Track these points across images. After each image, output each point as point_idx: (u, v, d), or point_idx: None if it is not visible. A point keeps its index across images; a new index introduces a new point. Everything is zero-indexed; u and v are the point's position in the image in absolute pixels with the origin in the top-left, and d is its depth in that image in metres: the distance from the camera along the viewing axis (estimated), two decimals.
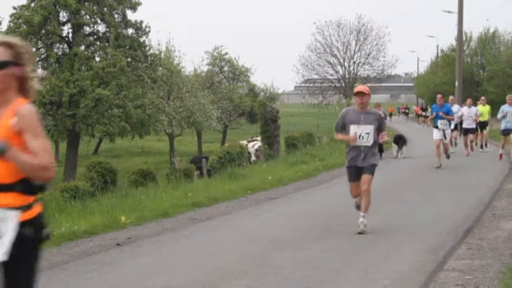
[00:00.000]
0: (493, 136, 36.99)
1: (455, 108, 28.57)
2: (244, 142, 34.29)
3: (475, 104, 31.42)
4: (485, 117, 30.39)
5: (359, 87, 12.32)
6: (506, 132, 24.85)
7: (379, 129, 12.13)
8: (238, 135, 62.97)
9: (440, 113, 23.69)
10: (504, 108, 24.69)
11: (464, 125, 29.33)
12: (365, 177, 11.92)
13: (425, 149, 29.19)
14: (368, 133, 11.89)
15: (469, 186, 18.46)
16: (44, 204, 15.27)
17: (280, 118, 34.82)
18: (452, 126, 27.14)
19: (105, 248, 10.95)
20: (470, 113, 29.04)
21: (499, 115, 24.77)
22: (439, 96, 25.05)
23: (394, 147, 29.48)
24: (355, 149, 11.97)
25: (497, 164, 24.21)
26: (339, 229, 12.31)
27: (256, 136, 40.04)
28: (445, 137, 23.70)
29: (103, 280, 8.86)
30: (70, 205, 16.36)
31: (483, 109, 30.42)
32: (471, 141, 29.17)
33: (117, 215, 13.70)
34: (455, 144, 29.71)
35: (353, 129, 11.89)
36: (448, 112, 23.98)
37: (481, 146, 30.50)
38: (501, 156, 25.60)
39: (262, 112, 33.44)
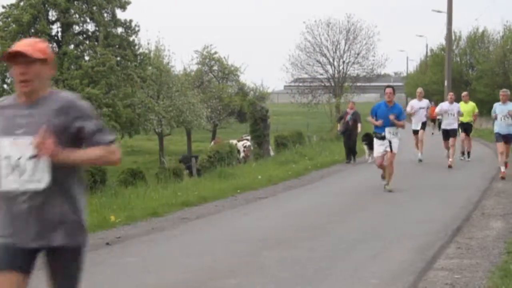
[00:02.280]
0: (482, 135, 37.06)
1: (423, 103, 25.61)
2: (234, 142, 34.28)
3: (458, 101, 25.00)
4: (468, 117, 25.10)
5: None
6: (499, 138, 20.03)
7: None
8: (228, 134, 62.94)
9: (390, 117, 17.36)
10: (496, 107, 20.26)
11: (443, 126, 24.60)
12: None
13: (412, 148, 29.19)
14: None
15: (458, 185, 18.50)
16: None
17: (269, 117, 34.79)
18: (418, 126, 25.17)
19: (95, 248, 10.92)
20: (451, 110, 23.94)
21: (493, 115, 20.32)
22: (388, 91, 17.91)
23: (365, 149, 26.94)
24: None
25: (486, 164, 24.25)
26: (328, 228, 12.32)
27: (246, 135, 40.02)
28: (391, 148, 17.49)
29: (92, 280, 8.83)
30: None
31: (465, 108, 24.90)
32: (452, 146, 23.63)
33: (106, 215, 13.67)
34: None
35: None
36: (399, 116, 17.52)
37: (462, 153, 25.89)
38: (506, 166, 20.32)
39: (252, 111, 33.39)
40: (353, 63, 71.84)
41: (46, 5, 42.49)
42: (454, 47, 65.15)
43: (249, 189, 18.43)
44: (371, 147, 23.73)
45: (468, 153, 26.10)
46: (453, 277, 8.72)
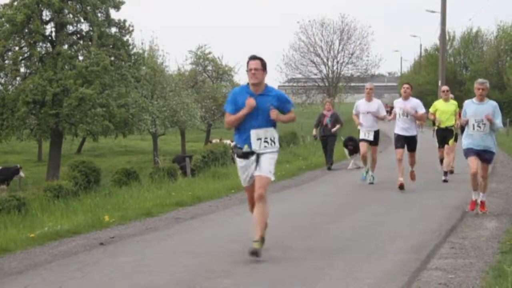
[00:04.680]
0: None
1: (372, 105, 19.25)
2: (228, 142, 34.28)
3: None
4: (450, 121, 19.68)
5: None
6: (472, 155, 13.67)
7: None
8: (222, 134, 62.96)
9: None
10: (468, 107, 13.81)
11: (397, 130, 17.84)
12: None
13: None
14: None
15: (452, 185, 18.53)
16: (26, 204, 15.14)
17: None
18: (367, 135, 19.19)
19: (89, 248, 10.92)
20: (404, 108, 17.63)
21: (463, 119, 13.88)
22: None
23: (347, 153, 25.19)
24: None
25: None
26: (322, 228, 12.33)
27: None
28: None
29: (86, 280, 8.83)
30: (53, 205, 16.29)
31: (445, 108, 19.63)
32: (411, 163, 18.12)
33: (100, 215, 13.66)
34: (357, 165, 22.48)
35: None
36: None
37: (445, 173, 19.55)
38: (472, 204, 14.35)
39: None
40: (347, 63, 71.97)
41: (40, 5, 42.36)
42: (448, 47, 65.32)
43: (243, 189, 18.38)
44: (355, 151, 23.73)
45: (451, 169, 20.61)
46: (447, 277, 8.74)
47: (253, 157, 10.12)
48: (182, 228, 12.79)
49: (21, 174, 34.85)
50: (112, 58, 43.58)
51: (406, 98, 17.98)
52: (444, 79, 47.86)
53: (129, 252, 10.53)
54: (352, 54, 71.69)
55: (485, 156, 13.78)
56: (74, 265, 9.60)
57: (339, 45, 71.40)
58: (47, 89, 40.22)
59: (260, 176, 10.07)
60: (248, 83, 10.23)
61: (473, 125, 13.64)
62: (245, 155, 10.17)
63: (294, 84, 75.35)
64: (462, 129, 14.96)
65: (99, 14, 44.58)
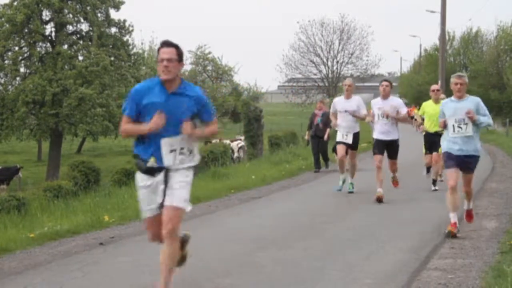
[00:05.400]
0: None
1: (351, 102, 16.94)
2: (227, 142, 34.28)
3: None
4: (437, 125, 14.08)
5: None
6: (450, 162, 11.74)
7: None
8: (222, 134, 62.91)
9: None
10: (446, 106, 11.97)
11: (375, 135, 16.12)
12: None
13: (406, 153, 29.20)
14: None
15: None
16: (26, 204, 15.12)
17: (263, 118, 34.77)
18: (345, 138, 17.03)
19: (88, 248, 10.93)
20: (383, 109, 15.86)
21: (440, 121, 12.05)
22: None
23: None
24: None
25: (480, 164, 24.23)
26: (322, 228, 12.34)
27: (240, 136, 40.03)
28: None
29: (86, 280, 8.84)
30: (53, 205, 16.28)
31: (435, 110, 16.34)
32: (392, 170, 16.69)
33: (100, 215, 13.66)
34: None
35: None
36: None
37: (433, 182, 17.98)
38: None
39: (246, 112, 33.33)
40: (347, 63, 71.92)
41: (40, 5, 42.33)
42: (447, 47, 65.32)
43: (243, 189, 18.44)
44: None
45: (440, 175, 18.49)
46: (446, 277, 8.74)
47: (161, 176, 7.64)
48: (181, 228, 12.78)
49: (20, 174, 34.86)
50: (112, 58, 43.56)
51: (385, 97, 16.04)
52: (444, 79, 47.76)
53: (129, 252, 10.53)
54: (352, 54, 71.66)
55: (468, 163, 11.79)
56: (74, 265, 9.61)
57: (339, 45, 71.38)
58: (47, 89, 40.19)
59: (171, 206, 7.70)
60: (159, 76, 7.67)
61: (453, 126, 11.71)
62: (150, 171, 7.67)
63: (294, 84, 75.29)
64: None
65: (99, 14, 44.56)
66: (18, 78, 42.54)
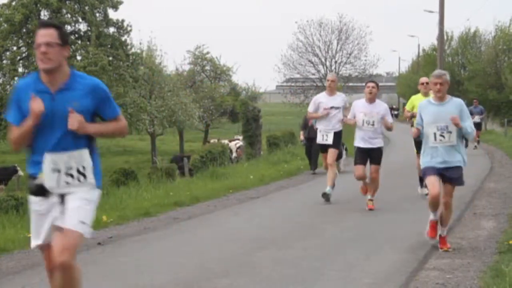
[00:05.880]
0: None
1: (335, 100, 15.66)
2: (226, 142, 34.33)
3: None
4: None
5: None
6: (431, 174, 10.33)
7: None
8: (220, 134, 62.97)
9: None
10: (424, 109, 10.43)
11: (357, 142, 14.49)
12: None
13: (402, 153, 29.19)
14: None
15: None
16: (24, 204, 15.11)
17: (261, 117, 34.80)
18: (329, 140, 15.58)
19: (86, 247, 10.91)
20: (370, 115, 14.26)
21: (415, 128, 10.75)
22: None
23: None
24: None
25: (478, 164, 24.29)
26: (321, 228, 12.34)
27: (238, 135, 40.08)
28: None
29: (84, 280, 8.79)
30: None
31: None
32: (372, 180, 14.67)
33: (98, 215, 13.54)
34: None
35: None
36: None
37: (421, 181, 16.24)
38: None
39: (244, 111, 33.37)
40: (345, 63, 71.99)
41: (38, 5, 42.40)
42: (446, 47, 65.20)
43: (241, 189, 18.44)
44: (339, 156, 20.76)
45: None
46: (444, 276, 8.74)
47: (56, 197, 6.05)
48: (180, 228, 12.79)
49: (20, 173, 34.88)
50: (110, 58, 43.61)
51: (371, 100, 14.32)
52: None
53: (127, 252, 10.53)
54: (350, 54, 71.71)
55: (451, 174, 10.35)
56: None
57: (337, 45, 71.45)
58: None
59: (64, 231, 5.95)
60: (38, 71, 6.14)
61: (435, 134, 10.15)
62: (41, 191, 6.06)
63: (292, 84, 75.32)
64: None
65: (97, 14, 44.62)
66: (16, 78, 42.56)
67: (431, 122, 10.14)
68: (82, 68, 41.04)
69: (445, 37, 62.46)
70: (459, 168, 10.38)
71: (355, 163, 14.44)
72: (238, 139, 36.02)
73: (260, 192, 18.10)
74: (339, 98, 15.74)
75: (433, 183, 10.19)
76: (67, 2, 43.53)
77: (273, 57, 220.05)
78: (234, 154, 33.06)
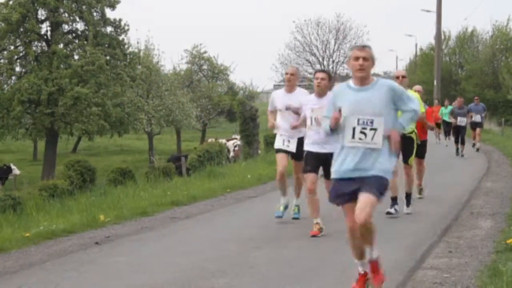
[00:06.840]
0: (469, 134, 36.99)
1: (294, 97, 12.67)
2: (223, 141, 34.32)
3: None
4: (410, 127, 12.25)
5: None
6: (340, 199, 7.77)
7: None
8: (218, 133, 62.98)
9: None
10: (341, 97, 7.46)
11: (307, 146, 11.66)
12: None
13: None
14: None
15: (447, 184, 18.51)
16: (22, 203, 15.12)
17: (259, 117, 34.77)
18: (291, 147, 12.83)
19: (84, 247, 10.91)
20: (320, 111, 10.32)
21: (330, 120, 7.48)
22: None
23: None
24: None
25: (475, 163, 24.29)
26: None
27: (235, 135, 40.07)
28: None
29: (81, 279, 8.83)
30: (49, 204, 16.27)
31: None
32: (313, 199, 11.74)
33: (95, 214, 13.65)
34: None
35: None
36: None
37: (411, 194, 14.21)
38: None
39: (241, 111, 33.33)
40: (343, 62, 71.95)
41: (35, 4, 42.38)
42: (443, 47, 65.29)
43: (238, 189, 18.43)
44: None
45: (421, 191, 15.92)
46: (442, 276, 8.74)
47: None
48: (177, 227, 12.79)
49: (16, 171, 34.85)
50: (108, 57, 43.62)
51: (321, 94, 11.49)
52: (439, 79, 47.90)
53: (125, 252, 10.53)
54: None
55: (367, 188, 7.36)
56: (69, 265, 9.60)
57: (335, 45, 71.52)
58: (43, 88, 40.20)
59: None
60: None
61: (354, 129, 7.35)
62: None
63: None
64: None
65: (94, 13, 44.62)
66: (13, 77, 42.59)
67: (350, 114, 7.30)
68: (80, 67, 41.06)
69: (443, 37, 62.52)
70: (381, 178, 7.42)
71: (305, 171, 11.71)
72: (236, 139, 35.99)
73: (258, 191, 18.10)
74: (297, 96, 12.64)
75: (349, 215, 7.74)
76: (64, 1, 43.51)
77: (271, 56, 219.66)
78: (232, 154, 33.05)
